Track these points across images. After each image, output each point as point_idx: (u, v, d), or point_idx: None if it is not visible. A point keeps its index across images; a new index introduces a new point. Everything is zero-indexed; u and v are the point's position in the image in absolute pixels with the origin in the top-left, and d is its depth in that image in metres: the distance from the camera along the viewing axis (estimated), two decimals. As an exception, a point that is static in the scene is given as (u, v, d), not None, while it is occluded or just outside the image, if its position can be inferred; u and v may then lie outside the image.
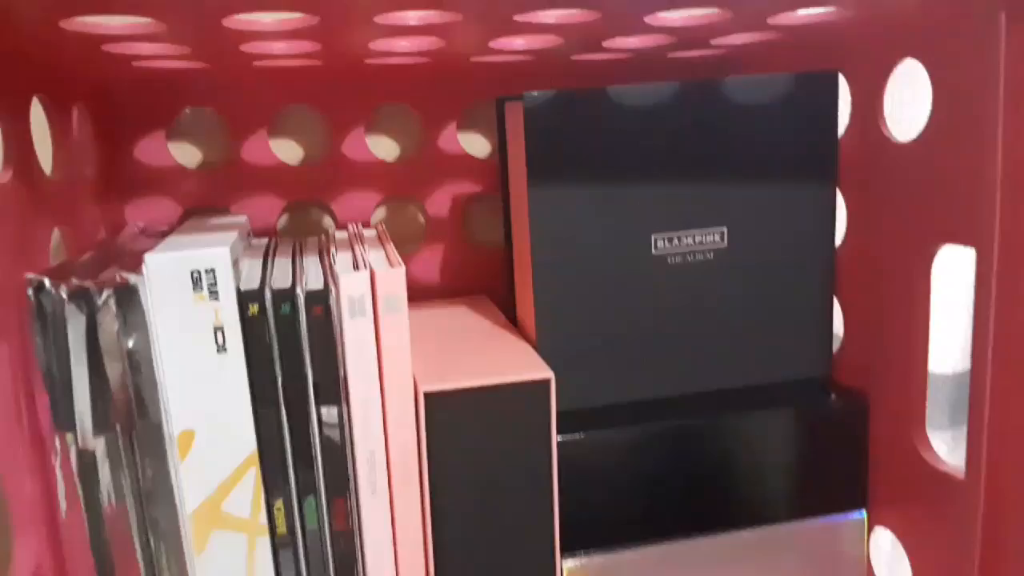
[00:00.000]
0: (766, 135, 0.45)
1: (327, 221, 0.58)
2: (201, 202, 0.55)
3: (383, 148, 0.58)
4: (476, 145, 0.59)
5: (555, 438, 0.41)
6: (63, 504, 0.35)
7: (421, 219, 0.59)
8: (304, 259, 0.45)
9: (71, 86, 0.46)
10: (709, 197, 0.44)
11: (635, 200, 0.44)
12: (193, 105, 0.54)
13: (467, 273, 0.59)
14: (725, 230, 0.45)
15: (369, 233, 0.50)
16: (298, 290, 0.38)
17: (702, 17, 0.39)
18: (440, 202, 0.58)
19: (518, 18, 0.36)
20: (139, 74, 0.49)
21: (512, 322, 0.51)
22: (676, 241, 0.44)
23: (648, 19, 0.38)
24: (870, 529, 0.47)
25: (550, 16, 0.37)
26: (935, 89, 0.40)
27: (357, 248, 0.44)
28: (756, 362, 0.47)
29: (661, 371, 0.46)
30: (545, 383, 0.40)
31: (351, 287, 0.38)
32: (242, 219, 0.49)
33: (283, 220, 0.57)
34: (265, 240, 0.50)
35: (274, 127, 0.56)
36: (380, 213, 0.59)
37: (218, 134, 0.56)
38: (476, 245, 0.59)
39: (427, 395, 0.39)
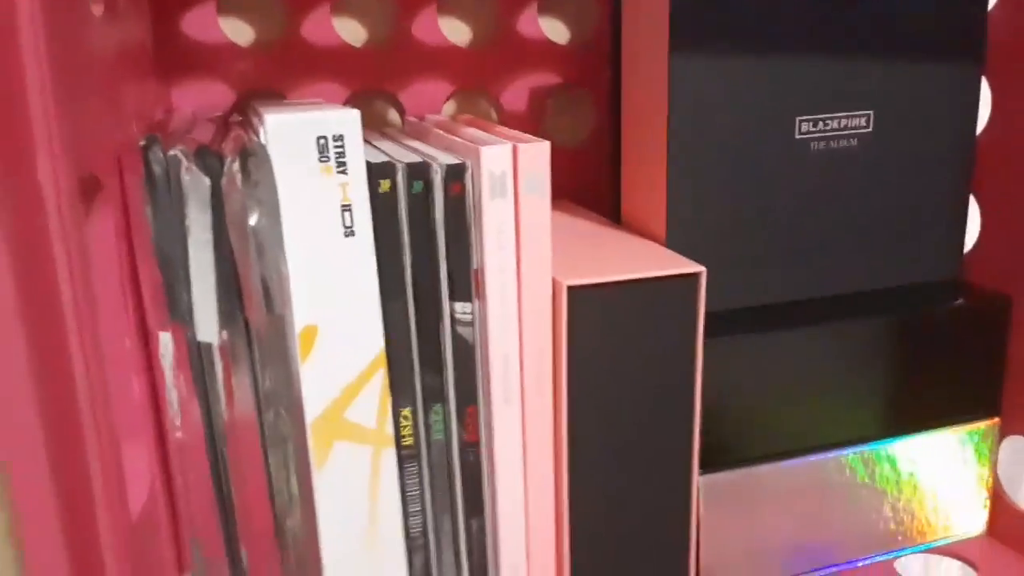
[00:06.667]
0: (915, 9, 0.40)
1: (392, 115, 0.52)
2: (255, 86, 0.48)
3: (456, 32, 0.52)
4: (556, 30, 0.53)
5: (701, 339, 0.37)
6: (174, 408, 0.29)
7: (494, 115, 0.54)
8: (407, 142, 0.39)
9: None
10: (857, 77, 0.40)
11: (780, 78, 0.39)
12: (247, -28, 0.47)
13: (545, 174, 0.54)
14: (871, 114, 0.41)
15: (458, 122, 0.45)
16: (434, 165, 0.32)
17: None
18: (516, 96, 0.52)
19: None
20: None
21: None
22: (821, 124, 0.40)
23: None
24: (1000, 439, 0.45)
25: None
26: None
27: (465, 131, 0.39)
28: (888, 261, 0.44)
29: (792, 272, 0.42)
30: (696, 277, 0.36)
31: (493, 161, 0.33)
32: (318, 102, 0.43)
33: (345, 111, 0.51)
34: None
35: (337, 3, 0.50)
36: (450, 108, 0.53)
37: (274, 7, 0.49)
38: (555, 144, 0.54)
39: (571, 289, 0.35)
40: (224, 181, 0.27)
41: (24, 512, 0.22)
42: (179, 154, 0.27)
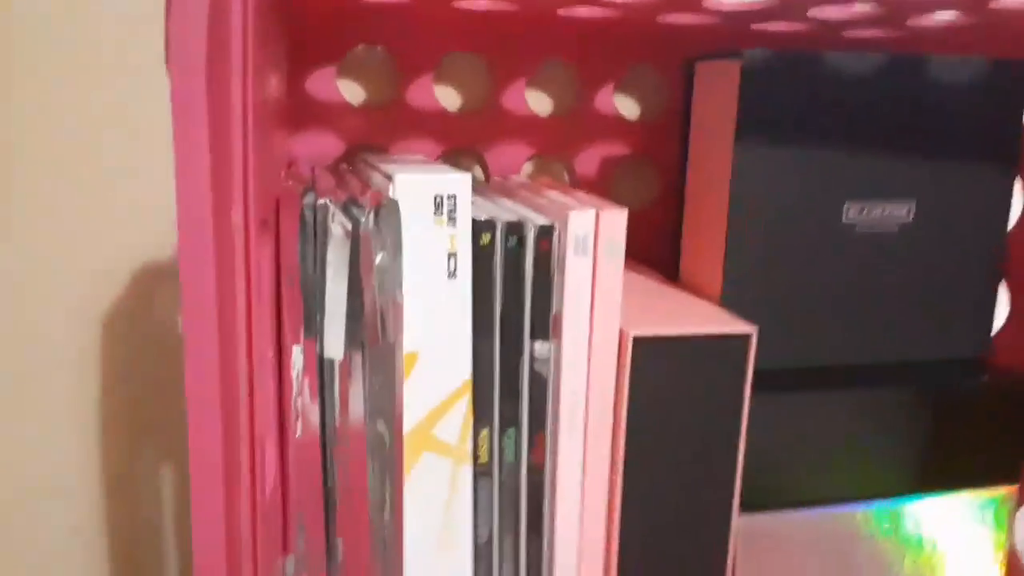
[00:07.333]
0: (958, 115, 0.45)
1: (477, 172, 0.59)
2: (362, 140, 0.55)
3: (539, 103, 0.58)
4: (629, 107, 0.59)
5: (748, 394, 0.42)
6: (298, 412, 0.35)
7: (566, 178, 0.60)
8: (498, 199, 0.45)
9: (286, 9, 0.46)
10: (901, 170, 0.45)
11: (833, 167, 0.44)
12: (366, 42, 0.54)
13: (609, 234, 0.59)
14: (913, 204, 0.46)
15: (540, 184, 0.51)
16: (528, 224, 0.38)
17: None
18: (588, 163, 0.58)
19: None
20: (320, 4, 0.49)
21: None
22: (866, 211, 0.45)
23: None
24: (1018, 506, 0.48)
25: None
26: None
27: (549, 194, 0.45)
28: (920, 337, 0.48)
29: (832, 340, 0.47)
30: (746, 338, 0.41)
31: (579, 224, 0.38)
32: (420, 157, 0.50)
33: (436, 166, 0.58)
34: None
35: (439, 72, 0.57)
36: (527, 169, 0.59)
37: (385, 74, 0.56)
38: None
39: (636, 339, 0.40)
40: (361, 228, 0.33)
41: (196, 490, 0.27)
42: (328, 203, 0.33)
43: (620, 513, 0.42)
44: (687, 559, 0.43)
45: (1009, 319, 0.49)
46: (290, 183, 0.34)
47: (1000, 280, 0.49)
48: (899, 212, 0.46)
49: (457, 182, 0.36)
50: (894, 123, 0.45)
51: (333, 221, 0.33)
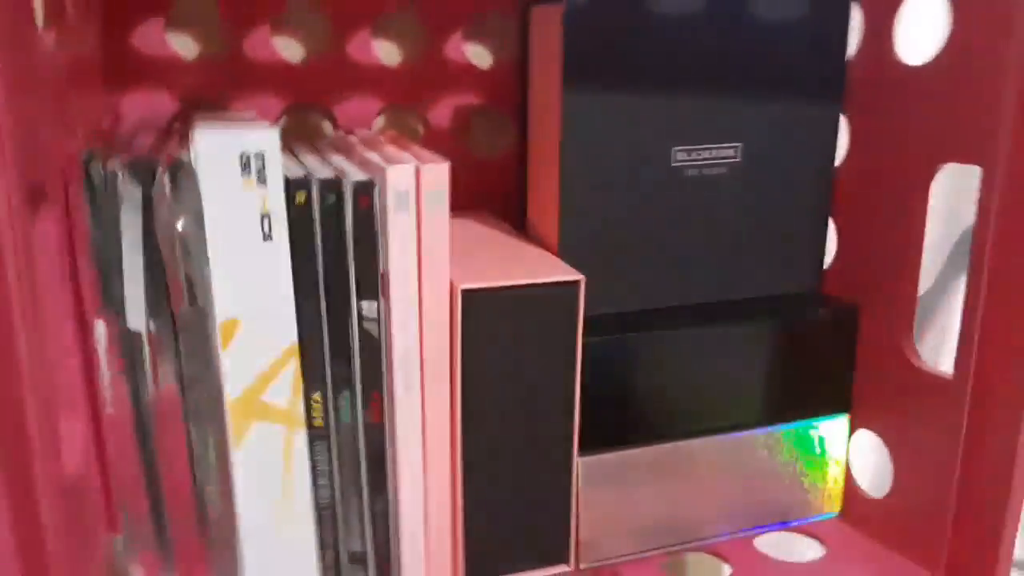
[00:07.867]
0: (782, 52, 0.46)
1: (327, 127, 0.57)
2: (198, 97, 0.52)
3: (388, 53, 0.57)
4: (480, 56, 0.58)
5: (580, 340, 0.42)
6: (106, 387, 0.34)
7: (421, 130, 0.59)
8: (331, 156, 0.44)
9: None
10: (728, 110, 0.46)
11: (659, 110, 0.45)
12: (192, -7, 0.51)
13: (467, 187, 0.59)
14: (740, 146, 0.47)
15: (381, 139, 0.50)
16: (345, 181, 0.37)
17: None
18: (441, 113, 0.57)
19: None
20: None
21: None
22: (695, 154, 0.46)
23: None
24: (852, 432, 0.51)
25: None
26: (955, 11, 0.42)
27: (384, 149, 0.43)
28: (755, 274, 0.50)
29: (670, 281, 0.48)
30: (576, 285, 0.42)
31: (398, 180, 0.38)
32: (251, 114, 0.47)
33: (282, 122, 0.56)
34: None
35: (277, 23, 0.54)
36: (380, 122, 0.58)
37: (218, 25, 0.53)
38: (475, 159, 0.59)
39: (465, 292, 0.40)
40: (155, 190, 0.32)
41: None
42: (116, 165, 0.31)
43: (462, 465, 0.42)
44: (533, 501, 0.44)
45: (840, 252, 0.51)
46: (80, 143, 0.32)
47: (828, 215, 0.51)
48: (727, 153, 0.47)
49: (264, 139, 0.35)
50: (718, 64, 0.45)
51: (123, 185, 0.31)
